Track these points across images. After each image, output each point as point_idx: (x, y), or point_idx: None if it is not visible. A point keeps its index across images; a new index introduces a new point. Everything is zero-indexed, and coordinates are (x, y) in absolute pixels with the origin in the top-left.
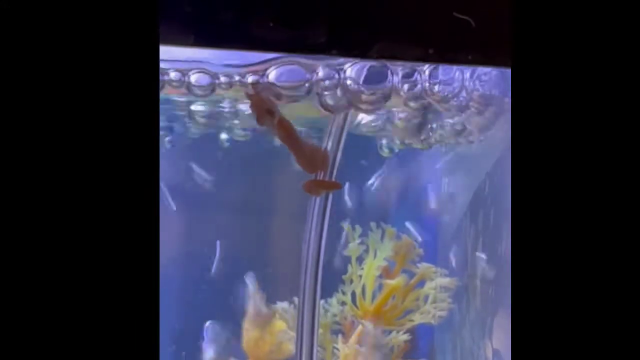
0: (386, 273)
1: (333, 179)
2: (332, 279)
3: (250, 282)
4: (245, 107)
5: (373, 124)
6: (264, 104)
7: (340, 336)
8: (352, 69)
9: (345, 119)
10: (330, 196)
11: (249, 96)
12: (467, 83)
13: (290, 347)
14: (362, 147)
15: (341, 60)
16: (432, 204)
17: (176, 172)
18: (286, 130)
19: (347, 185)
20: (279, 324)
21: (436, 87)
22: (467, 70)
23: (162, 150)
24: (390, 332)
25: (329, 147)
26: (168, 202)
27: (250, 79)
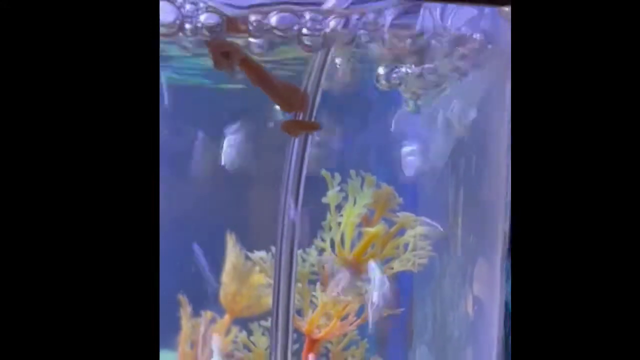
0: (365, 221)
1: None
2: (310, 228)
3: (228, 234)
4: None
5: None
6: (222, 47)
7: (318, 285)
8: None
9: (325, 59)
10: (310, 138)
11: (207, 41)
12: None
13: (269, 301)
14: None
15: None
16: (412, 154)
17: None
18: (254, 69)
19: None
20: (258, 278)
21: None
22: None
23: None
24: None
25: (308, 87)
26: None
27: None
